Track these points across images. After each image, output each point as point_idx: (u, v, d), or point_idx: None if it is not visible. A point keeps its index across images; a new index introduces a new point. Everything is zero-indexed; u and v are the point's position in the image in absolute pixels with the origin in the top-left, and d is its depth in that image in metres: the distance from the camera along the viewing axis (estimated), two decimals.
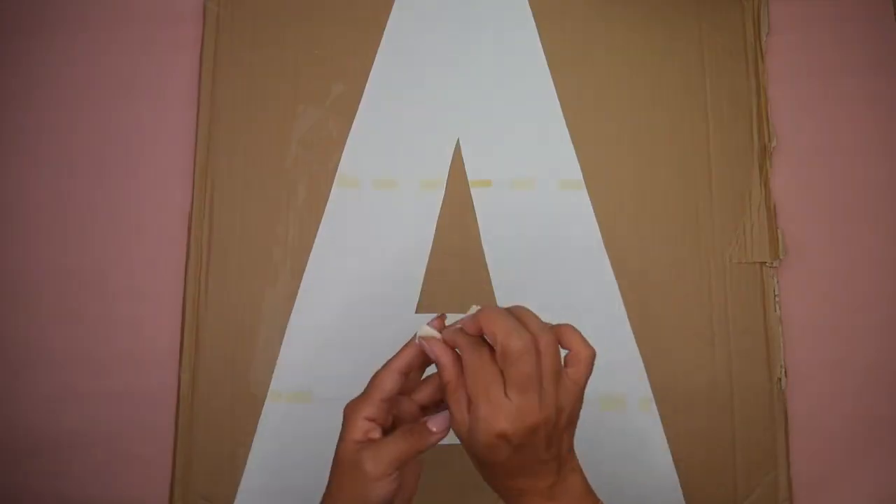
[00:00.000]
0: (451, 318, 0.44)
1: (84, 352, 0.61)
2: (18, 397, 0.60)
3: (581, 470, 0.43)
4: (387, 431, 0.44)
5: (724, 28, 0.66)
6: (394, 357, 0.44)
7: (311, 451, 0.58)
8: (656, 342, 0.61)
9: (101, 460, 0.59)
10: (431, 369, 0.45)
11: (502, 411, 0.39)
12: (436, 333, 0.43)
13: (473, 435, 0.40)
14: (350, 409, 0.43)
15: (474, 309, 0.44)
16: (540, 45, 0.65)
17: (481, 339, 0.41)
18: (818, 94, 0.66)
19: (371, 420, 0.43)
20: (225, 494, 0.58)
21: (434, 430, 0.42)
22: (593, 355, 0.42)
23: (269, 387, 0.60)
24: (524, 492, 0.42)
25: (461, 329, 0.42)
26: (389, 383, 0.43)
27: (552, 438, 0.41)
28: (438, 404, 0.46)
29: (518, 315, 0.41)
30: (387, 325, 0.60)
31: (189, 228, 0.62)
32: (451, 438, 0.58)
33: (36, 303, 0.61)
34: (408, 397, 0.45)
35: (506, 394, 0.39)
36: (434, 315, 0.45)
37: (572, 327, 0.42)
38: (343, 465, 0.42)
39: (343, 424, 0.43)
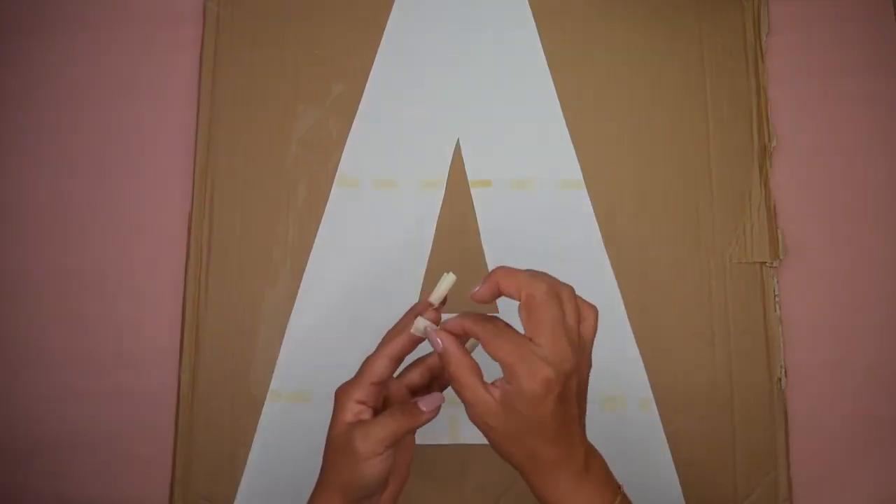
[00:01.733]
0: (447, 318, 0.44)
1: (84, 352, 0.61)
2: (18, 397, 0.60)
3: (599, 454, 0.44)
4: (377, 414, 0.44)
5: (724, 28, 0.66)
6: (387, 343, 0.45)
7: (311, 451, 0.58)
8: (656, 342, 0.61)
9: (101, 460, 0.59)
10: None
11: (540, 359, 0.40)
12: (431, 325, 0.43)
13: (515, 398, 0.40)
14: (341, 393, 0.44)
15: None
16: (540, 45, 0.65)
17: (488, 316, 0.42)
18: (818, 94, 0.66)
19: (362, 403, 0.43)
20: (225, 494, 0.58)
21: (424, 409, 0.43)
22: (597, 311, 0.43)
23: (269, 387, 0.60)
24: (560, 464, 0.42)
25: (464, 314, 0.43)
26: (381, 368, 0.44)
27: (580, 392, 0.42)
28: (427, 387, 0.46)
29: (499, 278, 0.42)
30: (387, 325, 0.60)
31: (189, 228, 0.62)
32: (451, 438, 0.58)
33: (36, 303, 0.61)
34: (396, 380, 0.46)
35: (537, 343, 0.40)
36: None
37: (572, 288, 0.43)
38: (335, 447, 0.43)
39: (335, 407, 0.44)
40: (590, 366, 0.43)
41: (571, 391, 0.41)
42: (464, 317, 0.42)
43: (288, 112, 0.64)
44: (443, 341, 0.42)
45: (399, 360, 0.45)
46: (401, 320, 0.46)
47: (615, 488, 0.43)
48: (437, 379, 0.47)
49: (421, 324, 0.43)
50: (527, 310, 0.41)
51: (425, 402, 0.43)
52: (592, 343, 0.43)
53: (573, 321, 0.41)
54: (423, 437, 0.47)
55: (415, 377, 0.46)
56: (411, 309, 0.46)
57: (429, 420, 0.43)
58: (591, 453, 0.43)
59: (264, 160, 0.63)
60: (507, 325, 0.42)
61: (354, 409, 0.43)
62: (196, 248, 0.61)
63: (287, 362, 0.60)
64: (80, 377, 0.60)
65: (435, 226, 0.62)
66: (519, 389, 0.40)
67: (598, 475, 0.43)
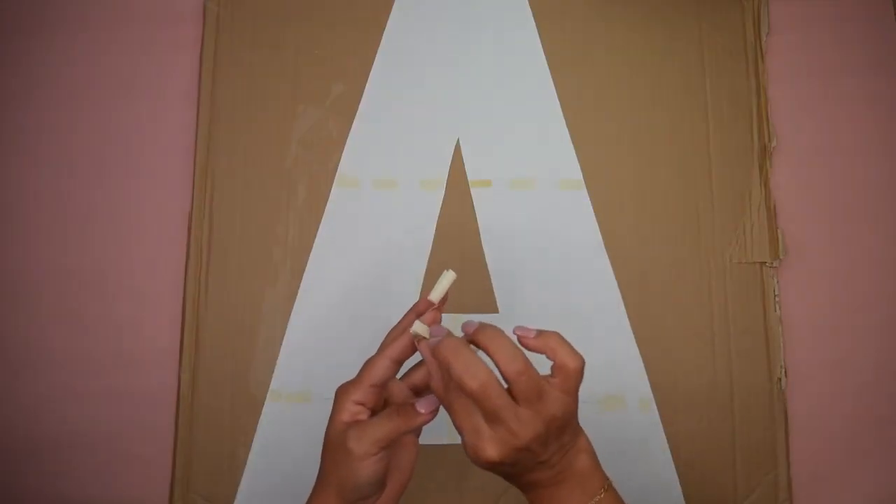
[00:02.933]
0: (449, 319, 0.44)
1: (84, 352, 0.61)
2: (18, 397, 0.60)
3: (588, 449, 0.44)
4: (376, 414, 0.44)
5: (724, 28, 0.66)
6: (388, 345, 0.45)
7: (311, 451, 0.58)
8: (656, 342, 0.61)
9: (101, 460, 0.59)
10: None
11: (485, 440, 0.40)
12: (424, 330, 0.43)
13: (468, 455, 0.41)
14: (340, 392, 0.44)
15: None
16: (540, 45, 0.65)
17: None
18: (818, 94, 0.66)
19: (360, 404, 0.43)
20: (225, 494, 0.58)
21: (421, 411, 0.43)
22: (580, 366, 0.41)
23: (269, 387, 0.60)
24: (532, 484, 0.43)
25: (451, 343, 0.41)
26: (381, 370, 0.44)
27: (548, 444, 0.41)
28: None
29: (485, 342, 0.40)
30: (387, 326, 0.60)
31: (189, 228, 0.62)
32: (451, 438, 0.58)
33: (36, 303, 0.61)
34: (399, 380, 0.46)
35: (486, 423, 0.40)
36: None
37: (557, 337, 0.42)
38: (331, 447, 0.43)
39: (333, 406, 0.44)
40: (574, 407, 0.42)
41: (530, 453, 0.40)
42: (445, 349, 0.40)
43: (288, 112, 0.64)
44: (428, 359, 0.42)
45: (400, 362, 0.45)
46: (402, 320, 0.46)
47: (596, 488, 0.43)
48: None
49: (419, 328, 0.43)
50: (468, 395, 0.40)
51: (422, 403, 0.43)
52: (575, 391, 0.41)
53: (529, 396, 0.39)
54: (423, 437, 0.47)
55: (418, 378, 0.46)
56: (412, 308, 0.46)
57: (426, 422, 0.43)
58: (567, 466, 0.42)
59: (264, 160, 0.63)
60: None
61: (352, 410, 0.43)
62: (196, 248, 0.61)
63: (287, 362, 0.60)
64: (80, 377, 0.60)
65: (435, 226, 0.62)
66: (468, 454, 0.41)
67: (578, 476, 0.43)
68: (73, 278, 0.62)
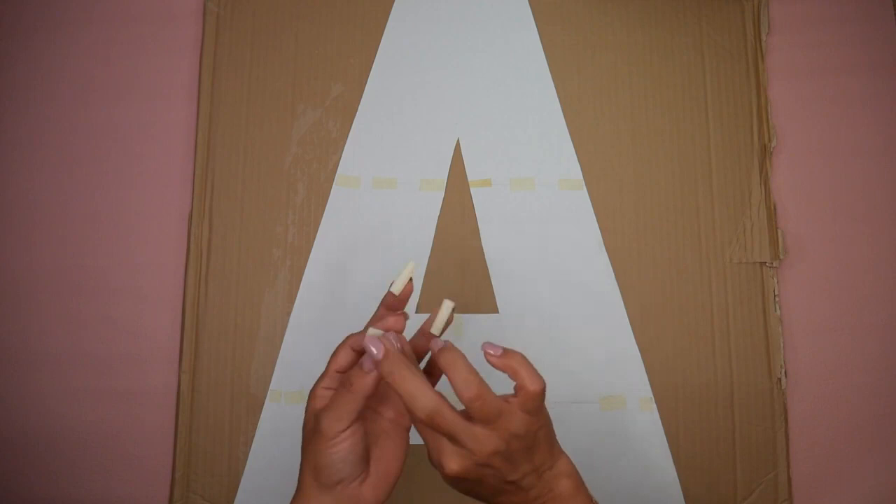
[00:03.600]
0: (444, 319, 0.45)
1: (84, 352, 0.61)
2: (18, 397, 0.60)
3: (571, 473, 0.43)
4: None
5: (724, 28, 0.66)
6: (353, 334, 0.45)
7: None
8: (656, 342, 0.61)
9: (101, 460, 0.59)
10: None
11: (446, 455, 0.40)
12: (377, 335, 0.43)
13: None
14: (313, 387, 0.45)
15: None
16: (540, 45, 0.65)
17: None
18: (818, 94, 0.66)
19: (329, 389, 0.44)
20: (225, 494, 0.58)
21: (365, 368, 0.42)
22: (540, 390, 0.41)
23: (269, 387, 0.60)
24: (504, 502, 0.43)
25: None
26: (343, 357, 0.44)
27: (515, 463, 0.41)
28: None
29: (444, 366, 0.40)
30: None
31: (189, 229, 0.62)
32: None
33: (36, 303, 0.61)
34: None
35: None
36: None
37: (520, 358, 0.41)
38: (307, 436, 0.44)
39: (308, 399, 0.45)
40: (540, 426, 0.41)
41: (494, 470, 0.40)
42: (391, 376, 0.41)
43: (288, 112, 0.64)
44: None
45: (361, 352, 0.44)
46: (375, 313, 0.46)
47: None
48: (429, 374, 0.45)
49: (372, 333, 0.43)
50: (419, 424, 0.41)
51: (364, 362, 0.42)
52: (537, 411, 0.41)
53: (487, 417, 0.39)
54: None
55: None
56: (382, 301, 0.46)
57: (376, 379, 0.42)
58: (547, 490, 0.42)
59: (264, 160, 0.63)
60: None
61: (322, 395, 0.44)
62: (196, 248, 0.61)
63: (287, 363, 0.60)
64: (80, 377, 0.60)
65: (435, 226, 0.62)
66: (434, 466, 0.41)
67: (559, 501, 0.42)
68: (73, 278, 0.62)
